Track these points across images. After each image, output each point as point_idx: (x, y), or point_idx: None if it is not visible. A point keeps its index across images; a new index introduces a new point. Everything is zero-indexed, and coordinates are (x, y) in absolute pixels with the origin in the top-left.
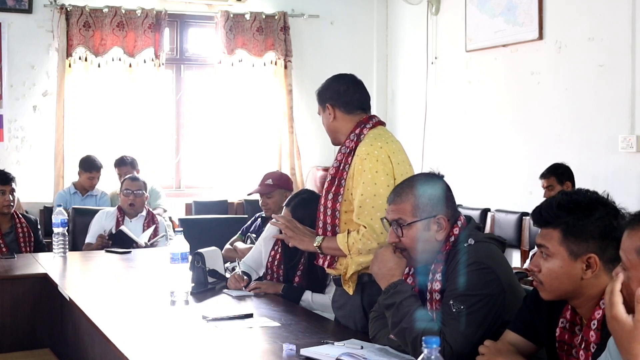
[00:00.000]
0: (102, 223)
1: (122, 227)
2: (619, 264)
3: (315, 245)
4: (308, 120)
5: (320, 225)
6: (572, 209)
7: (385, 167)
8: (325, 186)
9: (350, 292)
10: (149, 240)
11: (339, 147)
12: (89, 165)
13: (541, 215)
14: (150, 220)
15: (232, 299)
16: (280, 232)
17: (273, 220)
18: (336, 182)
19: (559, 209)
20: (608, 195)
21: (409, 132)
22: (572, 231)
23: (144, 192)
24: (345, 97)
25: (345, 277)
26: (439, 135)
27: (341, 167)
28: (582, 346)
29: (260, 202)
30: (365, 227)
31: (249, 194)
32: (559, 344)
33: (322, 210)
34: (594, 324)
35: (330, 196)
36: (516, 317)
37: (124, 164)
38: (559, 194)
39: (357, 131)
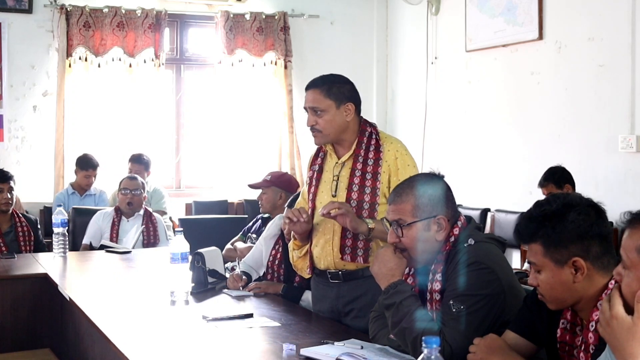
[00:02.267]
0: (99, 224)
1: (103, 241)
2: (607, 258)
3: (369, 227)
4: None
5: None
6: (542, 220)
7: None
8: (356, 181)
9: None
10: (135, 242)
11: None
12: (85, 163)
13: (520, 233)
14: (148, 219)
15: (232, 299)
16: (282, 232)
17: (328, 209)
18: (371, 177)
19: (532, 222)
20: (582, 195)
21: (409, 132)
22: (551, 241)
23: (142, 191)
24: (359, 98)
25: None
26: (439, 135)
27: (372, 163)
28: (582, 348)
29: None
30: None
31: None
32: (560, 345)
33: (355, 205)
34: (592, 326)
35: (367, 190)
36: (516, 317)
37: (139, 163)
38: (531, 207)
39: (369, 130)
